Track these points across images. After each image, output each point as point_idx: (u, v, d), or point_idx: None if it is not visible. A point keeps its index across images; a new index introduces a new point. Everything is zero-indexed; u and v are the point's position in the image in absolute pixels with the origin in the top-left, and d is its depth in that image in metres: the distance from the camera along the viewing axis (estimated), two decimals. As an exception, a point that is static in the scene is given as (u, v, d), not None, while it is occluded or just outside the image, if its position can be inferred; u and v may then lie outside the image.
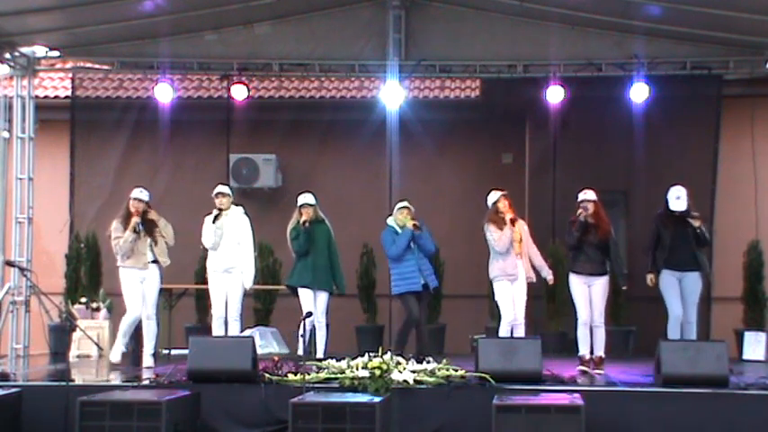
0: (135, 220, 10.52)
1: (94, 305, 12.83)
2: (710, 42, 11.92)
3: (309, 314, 10.10)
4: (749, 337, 12.51)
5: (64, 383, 8.85)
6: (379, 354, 9.10)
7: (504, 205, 10.40)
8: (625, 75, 12.23)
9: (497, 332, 10.41)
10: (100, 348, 10.48)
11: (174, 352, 12.21)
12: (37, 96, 13.13)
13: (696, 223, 10.15)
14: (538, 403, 8.02)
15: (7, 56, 12.00)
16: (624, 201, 14.39)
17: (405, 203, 10.80)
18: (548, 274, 10.59)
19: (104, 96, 15.00)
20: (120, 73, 13.67)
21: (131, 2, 11.23)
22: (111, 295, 12.62)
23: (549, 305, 12.98)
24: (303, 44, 12.52)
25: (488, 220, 10.41)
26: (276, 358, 10.42)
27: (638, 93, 12.15)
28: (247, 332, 12.21)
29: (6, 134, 12.53)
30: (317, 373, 9.05)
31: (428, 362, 9.20)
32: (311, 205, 10.82)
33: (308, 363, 9.45)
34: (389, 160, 12.90)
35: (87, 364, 10.98)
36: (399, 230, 10.66)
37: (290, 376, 9.05)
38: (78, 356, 12.05)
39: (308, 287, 10.79)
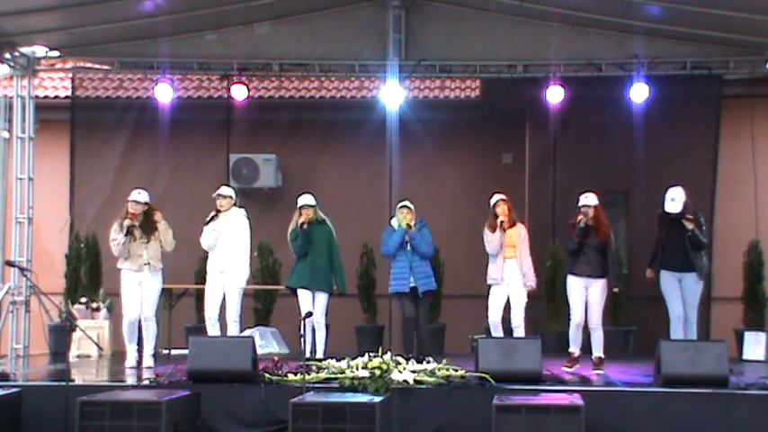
0: (126, 222, 10.55)
1: (94, 305, 12.83)
2: (710, 42, 11.91)
3: (310, 314, 10.10)
4: (749, 337, 12.52)
5: (64, 383, 8.86)
6: (379, 354, 9.11)
7: (502, 210, 10.42)
8: (625, 75, 12.22)
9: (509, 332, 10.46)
10: (100, 348, 10.49)
11: (174, 352, 12.21)
12: (37, 96, 13.12)
13: (689, 226, 10.14)
14: (538, 403, 8.02)
15: (7, 56, 12.00)
16: (624, 201, 14.38)
17: (404, 203, 10.81)
18: (528, 281, 10.52)
19: (104, 96, 14.99)
20: (120, 73, 13.67)
21: (131, 2, 11.23)
22: (111, 295, 12.62)
23: (549, 305, 12.99)
24: (303, 44, 12.51)
25: (487, 223, 10.49)
26: (276, 358, 10.44)
27: (638, 93, 12.14)
28: (247, 332, 12.22)
29: (6, 134, 12.53)
30: (317, 373, 9.06)
31: (428, 362, 9.20)
32: (311, 206, 10.82)
33: (308, 363, 9.43)
34: (389, 160, 12.89)
35: (87, 364, 10.98)
36: (397, 228, 10.67)
37: (290, 376, 9.06)
38: (78, 356, 12.06)
39: (307, 288, 10.79)
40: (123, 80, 15.02)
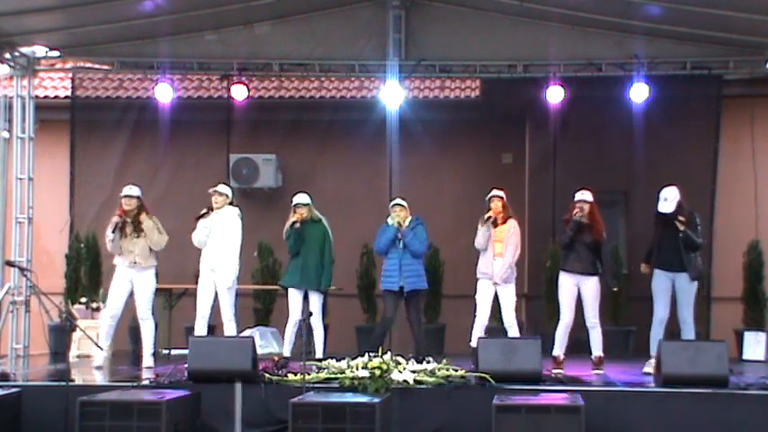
0: (115, 219, 10.61)
1: (94, 305, 12.83)
2: (710, 42, 11.91)
3: (310, 314, 10.11)
4: (749, 337, 12.52)
5: (64, 383, 8.85)
6: (379, 354, 9.11)
7: (495, 206, 10.42)
8: (625, 75, 12.22)
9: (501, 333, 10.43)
10: (100, 348, 10.48)
11: (174, 352, 12.21)
12: (37, 96, 13.11)
13: (681, 227, 10.13)
14: (538, 403, 8.03)
15: (7, 56, 11.99)
16: (624, 201, 14.40)
17: (397, 201, 10.80)
18: (495, 277, 10.42)
19: (104, 96, 14.99)
20: (120, 73, 13.67)
21: (131, 2, 11.22)
22: (111, 295, 12.61)
23: (549, 305, 12.97)
24: (303, 44, 12.51)
25: (480, 217, 10.49)
26: (276, 358, 10.45)
27: (638, 93, 12.14)
28: (247, 332, 12.23)
29: (6, 134, 12.53)
30: (317, 373, 9.06)
31: (428, 362, 9.20)
32: (305, 205, 10.81)
33: (308, 363, 9.44)
34: (389, 160, 12.89)
35: (87, 364, 10.97)
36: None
37: (290, 376, 9.06)
38: (78, 356, 12.06)
39: (297, 287, 10.78)
40: (123, 80, 15.03)
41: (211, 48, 12.54)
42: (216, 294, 10.73)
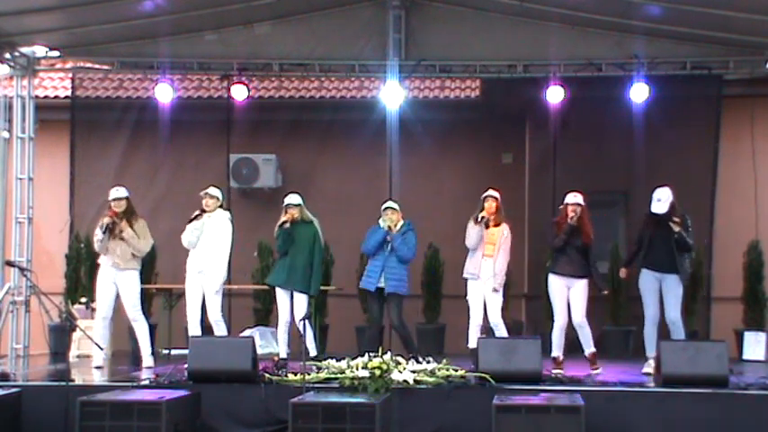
0: (105, 219, 10.64)
1: (94, 305, 12.80)
2: (710, 42, 11.91)
3: (309, 315, 10.10)
4: (749, 337, 12.52)
5: (64, 383, 8.85)
6: (379, 354, 9.11)
7: (489, 206, 10.41)
8: (625, 75, 12.22)
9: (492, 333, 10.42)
10: (100, 348, 10.48)
11: (174, 352, 12.20)
12: (37, 96, 13.11)
13: (676, 228, 10.13)
14: (538, 403, 8.03)
15: (7, 56, 12.00)
16: (624, 201, 14.40)
17: (389, 204, 10.76)
18: (496, 281, 10.42)
19: (104, 96, 14.99)
20: (120, 73, 13.67)
21: (131, 2, 11.22)
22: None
23: (549, 305, 12.95)
24: (303, 44, 12.51)
25: (473, 216, 10.48)
26: (276, 358, 10.44)
27: (638, 93, 12.14)
28: (247, 332, 12.24)
29: (6, 134, 12.53)
30: (317, 373, 9.06)
31: (428, 362, 9.20)
32: (295, 205, 10.79)
33: (307, 363, 9.44)
34: (389, 160, 12.89)
35: (87, 364, 10.97)
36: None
37: (290, 376, 9.06)
38: (78, 356, 12.06)
39: (283, 287, 10.77)
40: (123, 80, 15.02)
41: (211, 48, 12.54)
42: (203, 296, 10.75)
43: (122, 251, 10.68)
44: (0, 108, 12.33)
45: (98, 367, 10.56)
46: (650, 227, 10.29)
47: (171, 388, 8.74)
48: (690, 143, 13.72)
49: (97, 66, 13.06)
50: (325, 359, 9.57)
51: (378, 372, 8.75)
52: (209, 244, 10.71)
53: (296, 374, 9.01)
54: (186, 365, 9.19)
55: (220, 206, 10.91)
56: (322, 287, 12.64)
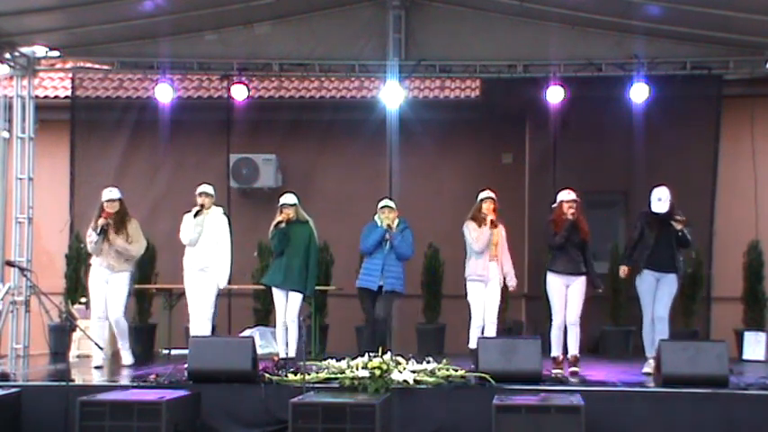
0: (101, 221, 10.63)
1: (94, 305, 12.82)
2: (710, 42, 11.91)
3: (309, 315, 10.09)
4: (749, 337, 12.52)
5: (64, 383, 8.85)
6: (379, 354, 9.11)
7: (487, 207, 10.40)
8: (625, 75, 12.22)
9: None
10: (100, 348, 10.49)
11: (174, 352, 12.20)
12: (37, 96, 13.12)
13: (678, 226, 10.14)
14: (538, 403, 8.02)
15: (7, 56, 11.99)
16: (624, 201, 14.40)
17: (387, 202, 10.74)
18: (511, 281, 10.53)
19: (104, 96, 14.99)
20: (120, 73, 13.67)
21: (131, 2, 11.22)
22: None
23: (549, 305, 12.97)
24: (303, 44, 12.51)
25: (470, 217, 10.46)
26: (276, 358, 10.44)
27: (638, 93, 12.14)
28: (247, 332, 12.24)
29: (6, 134, 12.53)
30: (317, 373, 9.06)
31: (428, 362, 9.20)
32: (291, 205, 10.78)
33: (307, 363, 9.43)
34: (389, 160, 12.89)
35: (87, 364, 10.97)
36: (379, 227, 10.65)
37: (290, 376, 9.06)
38: (78, 356, 12.05)
39: (279, 287, 10.77)
40: (123, 80, 15.02)
41: (211, 48, 12.54)
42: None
43: (117, 253, 10.71)
44: (0, 108, 12.32)
45: (98, 367, 10.56)
46: (653, 227, 10.26)
47: (171, 388, 8.74)
48: (690, 143, 13.72)
49: (97, 66, 13.06)
50: (325, 359, 9.57)
51: (378, 372, 8.75)
52: (210, 241, 10.73)
53: (296, 374, 9.01)
54: (186, 365, 9.19)
55: (213, 203, 10.97)
56: (322, 287, 12.67)
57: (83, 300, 12.93)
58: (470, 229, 10.43)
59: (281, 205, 10.80)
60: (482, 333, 10.32)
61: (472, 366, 9.19)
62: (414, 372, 8.91)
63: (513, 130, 14.83)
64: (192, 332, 10.57)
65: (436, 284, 13.62)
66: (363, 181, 14.52)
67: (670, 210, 10.17)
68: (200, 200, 10.79)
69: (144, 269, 12.92)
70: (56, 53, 12.44)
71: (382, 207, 10.65)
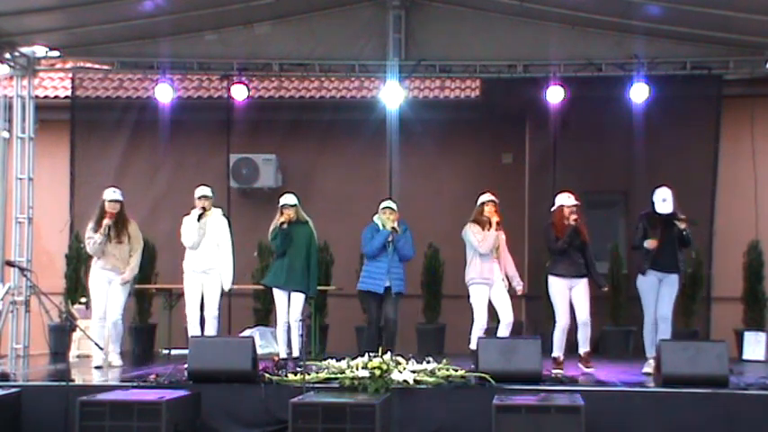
0: (106, 222, 10.61)
1: (94, 305, 12.82)
2: (710, 42, 11.91)
3: (309, 315, 10.08)
4: (749, 337, 12.52)
5: (64, 383, 8.85)
6: (379, 354, 9.11)
7: (489, 210, 10.40)
8: (625, 75, 12.22)
9: (495, 333, 10.39)
10: (100, 348, 10.50)
11: (174, 352, 12.21)
12: (37, 96, 13.12)
13: (682, 225, 10.14)
14: (538, 403, 8.02)
15: (7, 56, 12.00)
16: (624, 201, 14.40)
17: (388, 204, 10.76)
18: (518, 285, 10.55)
19: (104, 96, 14.99)
20: (120, 73, 13.67)
21: (131, 2, 11.22)
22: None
23: (549, 305, 12.96)
24: (303, 44, 12.51)
25: (472, 220, 10.47)
26: (276, 358, 10.44)
27: (638, 93, 12.14)
28: (247, 332, 12.23)
29: (6, 134, 12.54)
30: (317, 373, 9.05)
31: (428, 362, 9.20)
32: (292, 206, 10.78)
33: (307, 363, 9.43)
34: (389, 160, 12.89)
35: (87, 364, 10.98)
36: (381, 228, 10.64)
37: (290, 376, 9.06)
38: (78, 356, 12.06)
39: (282, 288, 10.77)
40: (123, 80, 15.03)
41: (211, 48, 12.54)
42: (202, 294, 10.77)
43: (122, 254, 10.71)
44: (0, 108, 12.32)
45: (98, 367, 10.56)
46: (656, 228, 10.24)
47: (171, 388, 8.73)
48: (690, 143, 13.72)
49: (97, 66, 13.06)
50: (325, 359, 9.57)
51: (378, 372, 8.75)
52: (212, 243, 10.74)
53: (296, 374, 9.01)
54: (186, 365, 9.19)
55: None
56: (322, 287, 12.66)
57: (83, 300, 12.94)
58: (473, 231, 10.42)
59: (282, 206, 10.80)
60: (483, 333, 10.31)
61: (472, 366, 9.19)
62: (414, 372, 8.91)
63: (513, 130, 14.83)
64: (190, 333, 10.56)
65: (436, 284, 13.63)
66: (363, 181, 14.52)
67: (673, 210, 10.17)
68: (201, 203, 10.79)
69: (144, 269, 12.88)
70: (56, 53, 12.45)
71: (384, 208, 10.65)
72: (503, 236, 10.54)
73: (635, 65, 12.07)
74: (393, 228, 10.50)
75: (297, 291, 10.71)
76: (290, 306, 10.69)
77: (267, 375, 9.07)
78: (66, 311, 12.40)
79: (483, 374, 8.85)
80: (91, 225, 10.76)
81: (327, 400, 8.14)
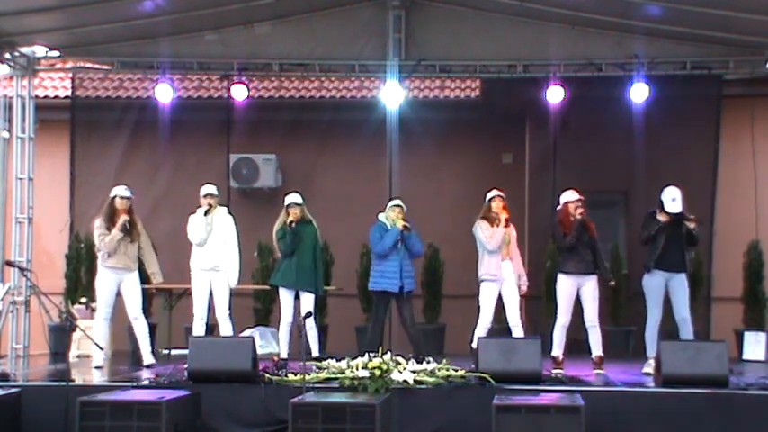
0: (124, 217, 10.57)
1: (94, 305, 12.78)
2: (710, 42, 11.91)
3: (309, 314, 10.09)
4: (749, 337, 12.52)
5: (64, 383, 8.85)
6: (379, 354, 9.11)
7: (497, 206, 10.40)
8: (625, 75, 12.23)
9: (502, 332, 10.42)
10: (100, 348, 10.49)
11: (174, 352, 12.20)
12: (37, 96, 13.12)
13: (691, 225, 10.14)
14: (538, 403, 8.02)
15: (7, 56, 12.00)
16: (624, 201, 14.40)
17: (397, 202, 10.80)
18: (524, 284, 10.56)
19: (104, 96, 14.99)
20: (120, 73, 13.67)
21: (131, 2, 11.23)
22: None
23: (549, 305, 12.97)
24: (303, 44, 12.52)
25: (481, 217, 10.45)
26: (276, 358, 10.44)
27: (638, 93, 12.15)
28: (247, 332, 12.23)
29: (6, 134, 12.54)
30: (317, 373, 9.06)
31: (428, 362, 9.20)
32: (298, 205, 10.81)
33: (307, 363, 9.44)
34: (389, 160, 12.89)
35: (87, 364, 10.98)
36: (389, 228, 10.65)
37: (290, 376, 9.06)
38: (78, 356, 12.06)
39: (292, 287, 10.77)
40: (123, 80, 15.03)
41: (211, 48, 12.54)
42: (211, 293, 10.75)
43: (133, 252, 10.70)
44: (0, 108, 12.32)
45: (98, 367, 10.56)
46: (666, 228, 10.19)
47: (171, 388, 8.74)
48: (690, 143, 13.72)
49: (97, 66, 13.06)
50: (325, 359, 9.57)
51: (378, 372, 8.75)
52: (219, 241, 10.76)
53: (296, 374, 9.01)
54: (186, 365, 9.19)
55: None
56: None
57: (83, 300, 12.95)
58: (482, 228, 10.42)
59: (288, 205, 10.81)
60: (486, 334, 10.31)
61: (472, 366, 9.19)
62: (414, 372, 8.91)
63: (513, 130, 14.83)
64: (195, 332, 10.57)
65: (436, 284, 13.63)
66: (363, 181, 14.53)
67: (683, 209, 10.17)
68: (207, 201, 10.80)
69: (144, 269, 12.90)
70: (56, 53, 12.45)
71: (393, 206, 10.68)
72: (513, 232, 10.55)
73: (635, 65, 12.07)
74: (405, 226, 10.51)
75: (307, 290, 10.72)
76: (299, 306, 10.68)
77: (267, 375, 9.07)
78: (67, 311, 12.40)
79: (483, 374, 8.85)
80: (99, 222, 10.68)
81: (327, 400, 8.14)
